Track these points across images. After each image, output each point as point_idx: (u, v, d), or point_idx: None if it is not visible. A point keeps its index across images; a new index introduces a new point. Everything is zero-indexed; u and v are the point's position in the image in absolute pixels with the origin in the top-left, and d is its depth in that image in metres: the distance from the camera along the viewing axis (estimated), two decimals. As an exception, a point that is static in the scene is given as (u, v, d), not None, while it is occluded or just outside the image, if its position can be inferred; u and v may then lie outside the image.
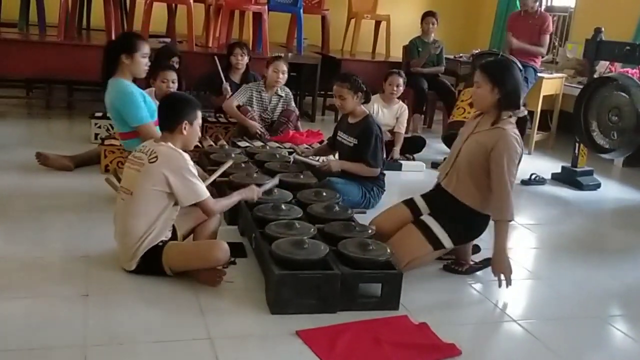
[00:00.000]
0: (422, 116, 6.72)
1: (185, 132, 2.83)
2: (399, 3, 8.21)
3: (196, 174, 2.81)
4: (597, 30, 4.99)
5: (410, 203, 3.21)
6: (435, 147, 5.92)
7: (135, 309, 2.54)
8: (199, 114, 2.93)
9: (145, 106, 3.64)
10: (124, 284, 2.74)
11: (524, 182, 5.03)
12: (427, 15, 6.64)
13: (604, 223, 4.49)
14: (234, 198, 3.06)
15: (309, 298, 2.59)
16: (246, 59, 5.62)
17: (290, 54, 6.79)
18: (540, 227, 4.18)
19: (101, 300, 2.56)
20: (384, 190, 4.07)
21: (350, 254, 2.69)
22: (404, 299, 2.71)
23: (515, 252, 3.51)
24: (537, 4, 6.27)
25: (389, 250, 2.77)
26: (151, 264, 2.76)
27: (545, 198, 4.83)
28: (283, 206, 3.15)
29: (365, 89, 3.96)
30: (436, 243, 2.99)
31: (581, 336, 2.71)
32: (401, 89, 5.36)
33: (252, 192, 3.17)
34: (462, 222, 3.04)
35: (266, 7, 6.38)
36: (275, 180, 3.52)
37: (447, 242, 3.01)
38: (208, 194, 2.82)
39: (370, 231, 2.97)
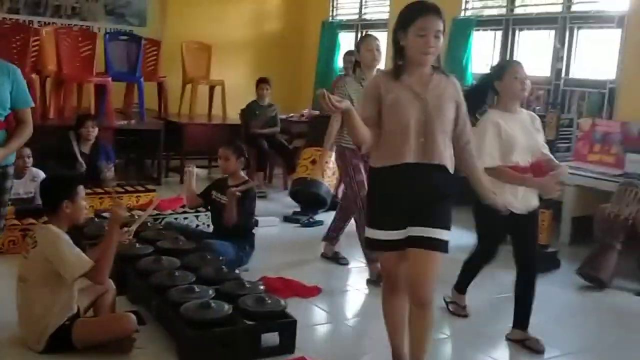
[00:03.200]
0: (263, 173, 7.28)
1: (68, 211, 3.00)
2: (231, 69, 8.76)
3: (74, 248, 2.92)
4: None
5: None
6: (283, 201, 6.45)
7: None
8: (80, 189, 3.08)
9: None
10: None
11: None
12: (261, 82, 7.26)
13: None
14: (109, 247, 2.93)
15: (221, 352, 2.92)
16: (96, 130, 5.77)
17: (133, 121, 7.02)
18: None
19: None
20: (254, 249, 4.49)
21: (251, 309, 3.08)
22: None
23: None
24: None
25: (282, 302, 3.19)
26: (60, 342, 2.92)
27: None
28: (176, 273, 3.44)
29: (247, 156, 4.41)
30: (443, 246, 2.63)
31: None
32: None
33: (118, 217, 3.01)
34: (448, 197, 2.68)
35: (109, 78, 6.56)
36: (145, 214, 3.59)
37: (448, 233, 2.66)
38: (91, 263, 2.88)
39: (261, 287, 3.38)
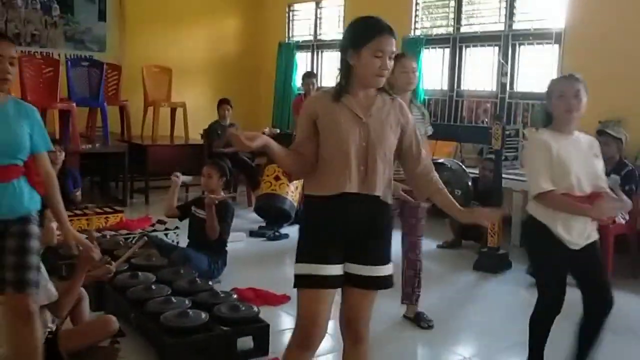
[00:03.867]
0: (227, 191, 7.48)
1: None
2: (192, 91, 8.98)
3: (44, 274, 3.04)
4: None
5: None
6: (248, 217, 6.67)
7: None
8: (48, 213, 3.24)
9: None
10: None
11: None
12: (223, 102, 7.51)
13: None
14: (74, 285, 3.14)
15: (199, 357, 3.14)
16: (63, 155, 5.92)
17: (97, 145, 7.17)
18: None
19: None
20: (226, 265, 4.71)
21: (226, 315, 3.30)
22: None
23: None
24: (314, 87, 7.42)
25: (255, 309, 3.42)
26: (47, 355, 3.09)
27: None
28: (153, 286, 3.64)
29: (229, 178, 4.69)
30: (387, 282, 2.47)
31: None
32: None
33: (90, 259, 3.12)
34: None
35: (74, 104, 6.71)
36: (130, 251, 3.81)
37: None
38: (56, 296, 3.06)
39: (234, 296, 3.60)
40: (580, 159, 2.91)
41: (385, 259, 2.42)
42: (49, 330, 3.11)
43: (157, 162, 7.60)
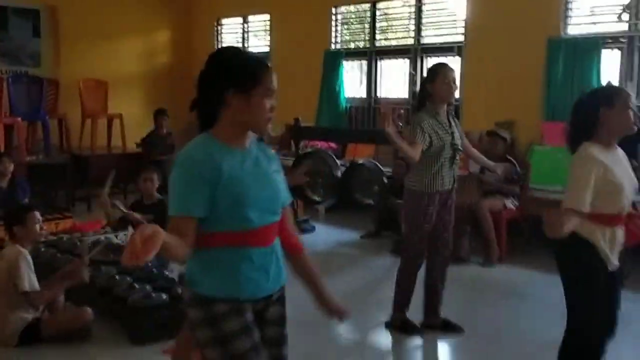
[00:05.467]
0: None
1: (20, 234, 3.77)
2: (128, 102, 9.44)
3: (31, 270, 3.69)
4: (296, 119, 6.96)
5: None
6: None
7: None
8: (30, 215, 3.82)
9: None
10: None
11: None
12: (159, 113, 8.03)
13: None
14: (56, 287, 3.75)
15: (163, 330, 3.74)
16: (12, 166, 6.33)
17: (40, 156, 7.57)
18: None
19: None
20: (173, 256, 5.28)
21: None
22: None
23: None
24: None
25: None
26: (30, 337, 3.63)
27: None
28: (116, 277, 4.21)
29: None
30: None
31: None
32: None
33: (80, 274, 3.79)
34: None
35: (19, 118, 7.11)
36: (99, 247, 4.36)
37: None
38: (31, 288, 3.62)
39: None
40: (627, 176, 2.71)
41: None
42: (33, 316, 3.66)
43: (98, 171, 8.03)
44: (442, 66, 3.88)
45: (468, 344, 3.94)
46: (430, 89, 3.82)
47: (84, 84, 8.85)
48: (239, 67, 1.94)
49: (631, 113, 2.68)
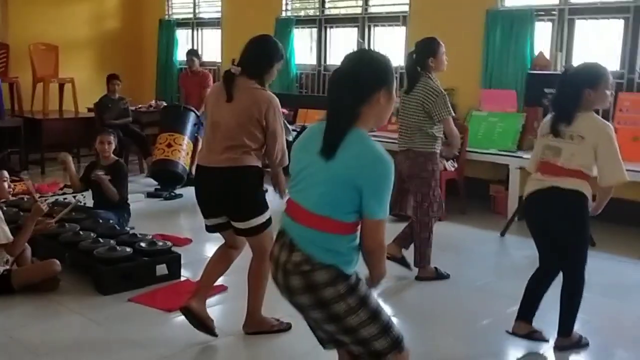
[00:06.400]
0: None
1: None
2: (79, 67, 9.48)
3: (3, 223, 3.89)
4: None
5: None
6: (142, 182, 7.45)
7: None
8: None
9: None
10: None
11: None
12: (112, 78, 8.12)
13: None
14: (27, 229, 3.94)
15: (127, 280, 4.02)
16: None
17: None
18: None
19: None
20: (130, 215, 5.52)
21: (146, 249, 4.21)
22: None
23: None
24: (197, 63, 8.22)
25: (168, 243, 4.34)
26: (1, 288, 3.86)
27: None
28: (81, 232, 4.45)
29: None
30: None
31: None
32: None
33: (40, 208, 3.96)
34: None
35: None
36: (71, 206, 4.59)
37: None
38: (11, 238, 3.86)
39: (149, 236, 4.49)
40: None
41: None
42: (3, 268, 3.88)
43: (51, 135, 8.17)
44: (437, 41, 4.29)
45: (410, 285, 4.39)
46: (432, 62, 4.22)
47: (34, 48, 8.85)
48: (390, 70, 2.25)
49: (609, 93, 3.10)
